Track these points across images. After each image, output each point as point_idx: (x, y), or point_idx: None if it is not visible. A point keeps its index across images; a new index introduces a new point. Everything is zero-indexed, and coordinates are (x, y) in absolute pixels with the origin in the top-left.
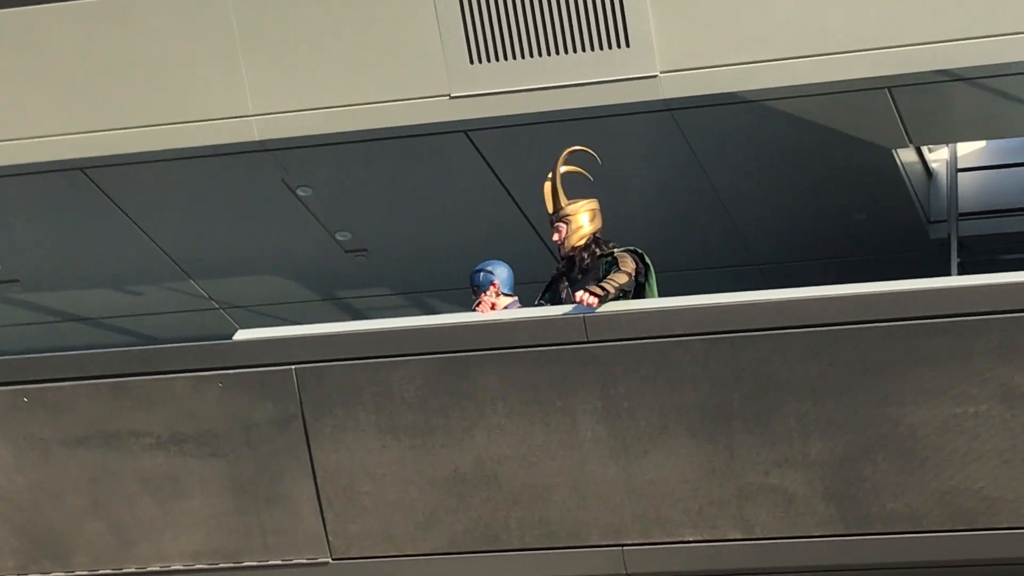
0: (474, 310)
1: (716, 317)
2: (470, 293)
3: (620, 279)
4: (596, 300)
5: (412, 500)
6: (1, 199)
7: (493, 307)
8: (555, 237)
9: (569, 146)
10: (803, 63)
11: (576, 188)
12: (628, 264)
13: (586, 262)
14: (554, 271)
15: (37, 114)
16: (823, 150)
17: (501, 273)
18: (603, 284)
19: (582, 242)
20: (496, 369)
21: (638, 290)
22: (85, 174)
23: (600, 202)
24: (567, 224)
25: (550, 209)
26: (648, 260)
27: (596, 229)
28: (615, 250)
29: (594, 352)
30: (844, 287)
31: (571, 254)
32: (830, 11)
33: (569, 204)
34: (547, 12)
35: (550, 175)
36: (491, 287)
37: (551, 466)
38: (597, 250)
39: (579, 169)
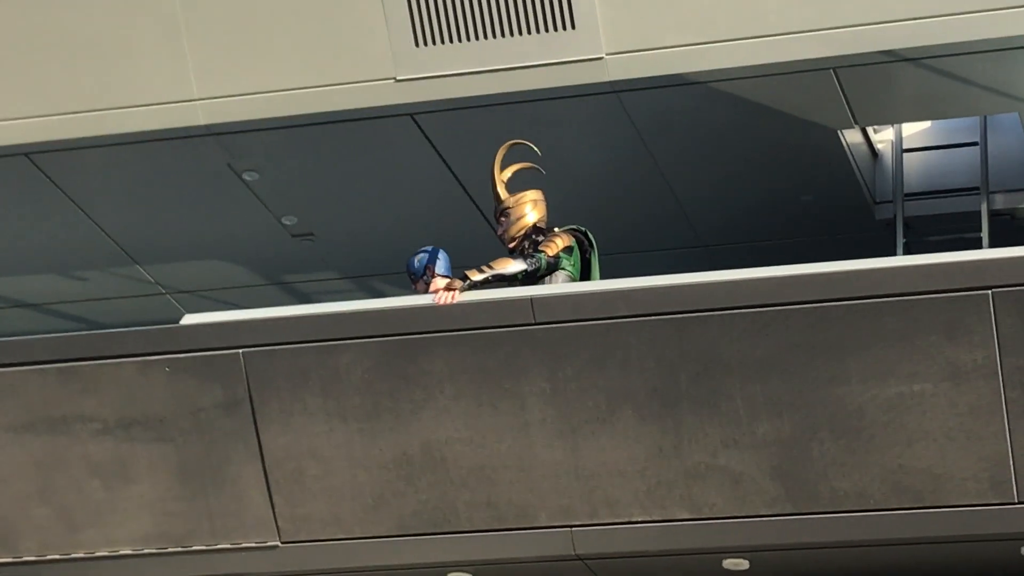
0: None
1: (662, 298)
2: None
3: (501, 265)
4: (453, 294)
5: (360, 483)
6: None
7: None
8: (499, 231)
9: (514, 128)
10: (748, 44)
11: (525, 175)
12: (552, 244)
13: (526, 250)
14: None
15: None
16: (769, 131)
17: (435, 258)
18: (481, 268)
19: (522, 232)
20: (443, 352)
21: (585, 268)
22: (29, 159)
23: (546, 184)
24: (507, 218)
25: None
26: (592, 238)
27: (538, 219)
28: (557, 228)
29: (541, 334)
30: (790, 267)
31: (511, 244)
32: None
33: (510, 197)
34: None
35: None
36: (426, 271)
37: (499, 448)
38: (537, 238)
39: (526, 164)
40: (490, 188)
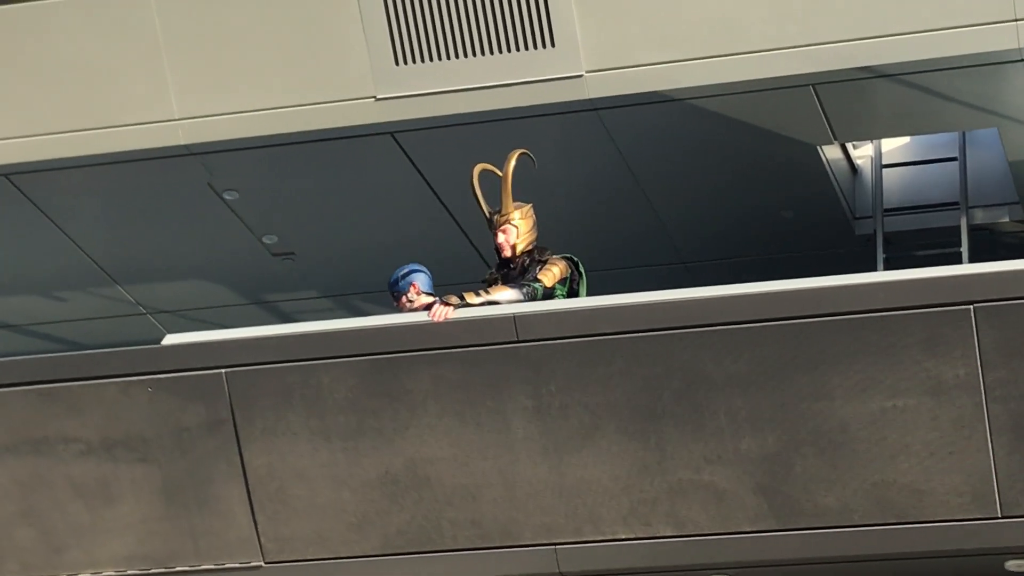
0: (405, 310)
1: (645, 315)
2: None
3: (498, 291)
4: (448, 310)
5: (344, 502)
6: None
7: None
8: (501, 240)
9: (495, 147)
10: (727, 61)
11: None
12: (550, 273)
13: (526, 265)
14: (487, 275)
15: None
16: (748, 148)
17: (419, 275)
18: (478, 292)
19: (529, 247)
20: (427, 370)
21: (571, 296)
22: (9, 180)
23: (526, 201)
24: (516, 228)
25: (486, 212)
26: (582, 268)
27: (536, 234)
28: (551, 256)
29: (524, 351)
30: (772, 283)
31: (514, 257)
32: (754, 9)
33: (516, 209)
34: (472, 13)
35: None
36: (411, 288)
37: (483, 466)
38: (538, 255)
39: (495, 169)
40: (481, 196)
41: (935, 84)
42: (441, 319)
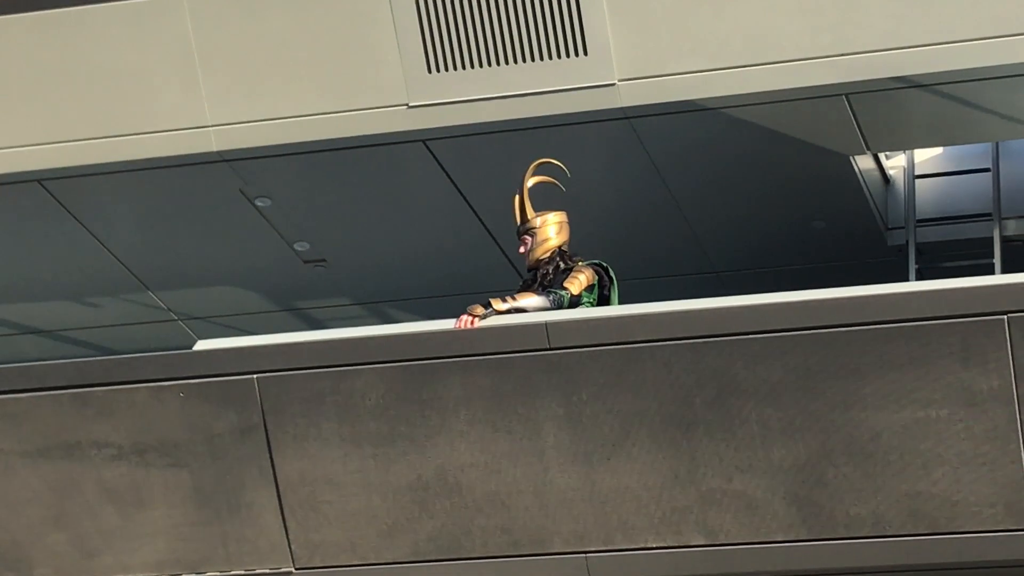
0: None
1: (678, 323)
2: (431, 303)
3: (525, 298)
4: (474, 319)
5: (375, 509)
6: None
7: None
8: (521, 250)
9: (527, 155)
10: (760, 71)
11: (542, 199)
12: (576, 281)
13: (549, 276)
14: (521, 284)
15: None
16: (781, 157)
17: None
18: (504, 298)
19: (547, 255)
20: (458, 377)
21: (602, 303)
22: (42, 186)
23: (560, 209)
24: (532, 237)
25: (517, 221)
26: (612, 274)
27: (563, 242)
28: (581, 263)
29: (556, 359)
30: (804, 292)
31: (535, 267)
32: (787, 18)
33: (536, 216)
34: (505, 21)
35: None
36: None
37: (514, 473)
38: (561, 263)
39: (549, 179)
40: (514, 207)
41: (968, 94)
42: (466, 327)
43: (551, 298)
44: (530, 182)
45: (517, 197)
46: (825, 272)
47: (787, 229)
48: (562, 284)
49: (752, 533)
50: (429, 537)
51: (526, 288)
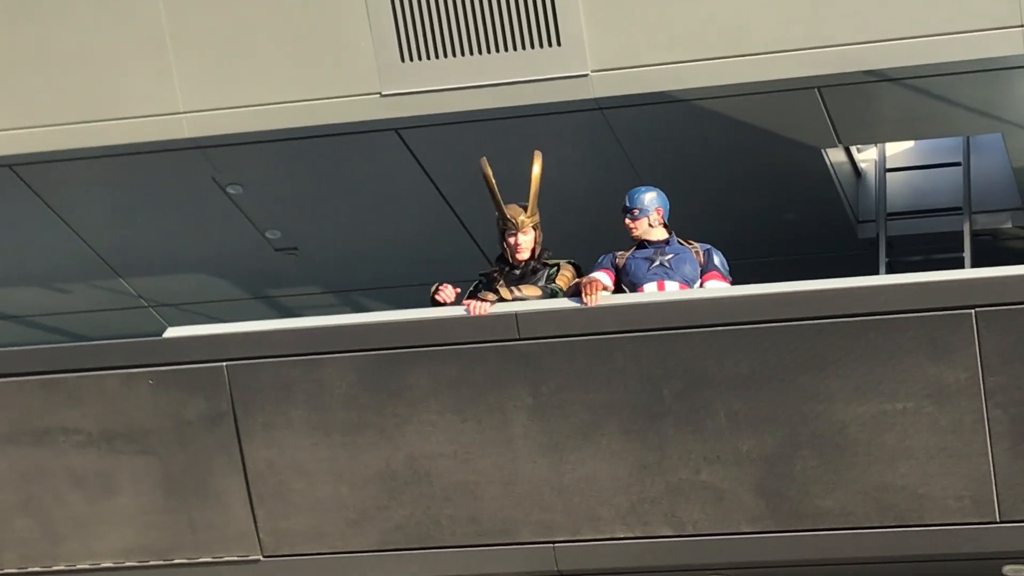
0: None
1: (646, 315)
2: (402, 291)
3: (528, 291)
4: (486, 305)
5: (343, 497)
6: None
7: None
8: (522, 241)
9: (499, 144)
10: (733, 63)
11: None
12: (564, 278)
13: (532, 267)
14: (487, 270)
15: None
16: (753, 150)
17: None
18: (511, 288)
19: (538, 249)
20: (427, 366)
21: None
22: (13, 171)
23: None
24: (536, 229)
25: (519, 214)
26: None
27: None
28: (560, 261)
29: (525, 349)
30: (774, 285)
31: (526, 259)
32: (760, 11)
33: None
34: (479, 11)
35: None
36: (655, 212)
37: (482, 463)
38: (542, 258)
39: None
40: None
41: (940, 89)
42: (478, 314)
43: (546, 292)
44: (536, 169)
45: (494, 185)
46: (795, 265)
47: (758, 221)
48: (552, 280)
49: (720, 524)
50: (397, 526)
51: (493, 276)
